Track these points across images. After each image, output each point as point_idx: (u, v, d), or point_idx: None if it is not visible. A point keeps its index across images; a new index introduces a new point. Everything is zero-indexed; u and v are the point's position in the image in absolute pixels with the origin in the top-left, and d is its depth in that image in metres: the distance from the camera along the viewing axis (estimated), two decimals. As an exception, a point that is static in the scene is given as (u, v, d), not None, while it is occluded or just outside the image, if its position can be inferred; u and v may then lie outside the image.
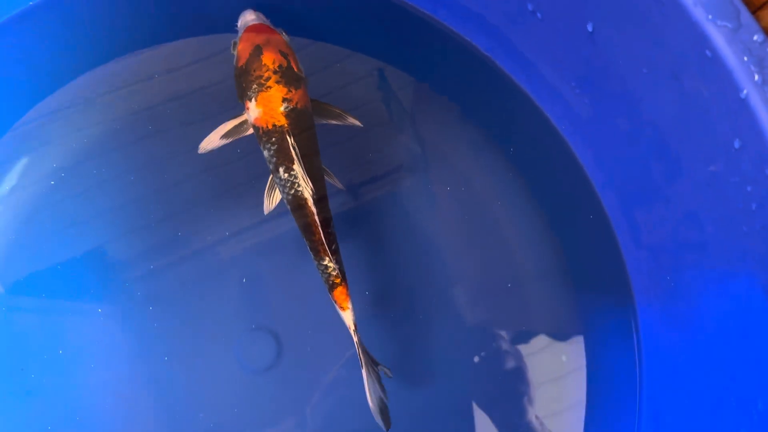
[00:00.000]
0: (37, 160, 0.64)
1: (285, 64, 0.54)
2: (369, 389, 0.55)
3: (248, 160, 0.64)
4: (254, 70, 0.54)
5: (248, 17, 0.58)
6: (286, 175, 0.54)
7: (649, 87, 0.52)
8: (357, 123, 0.58)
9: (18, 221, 0.63)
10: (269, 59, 0.54)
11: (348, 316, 0.55)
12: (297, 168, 0.53)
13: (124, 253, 0.63)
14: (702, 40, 0.44)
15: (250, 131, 0.56)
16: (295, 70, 0.55)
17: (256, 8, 0.59)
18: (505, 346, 0.64)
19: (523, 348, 0.64)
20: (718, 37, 0.43)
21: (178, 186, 0.64)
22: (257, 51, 0.54)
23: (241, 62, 0.55)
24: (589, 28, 0.54)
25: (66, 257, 0.62)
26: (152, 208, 0.64)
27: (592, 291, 0.66)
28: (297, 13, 0.66)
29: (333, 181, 0.58)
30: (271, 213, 0.56)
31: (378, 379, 0.56)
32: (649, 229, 0.60)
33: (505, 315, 0.65)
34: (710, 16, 0.43)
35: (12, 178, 0.63)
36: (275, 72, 0.54)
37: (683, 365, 0.59)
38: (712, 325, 0.55)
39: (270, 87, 0.54)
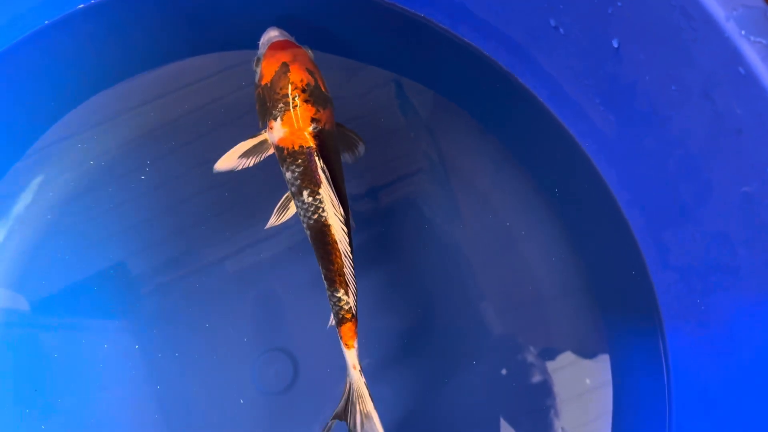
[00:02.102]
0: (53, 180, 0.64)
1: (312, 82, 0.52)
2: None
3: (261, 175, 0.63)
4: (280, 89, 0.51)
5: (272, 33, 0.56)
6: (310, 199, 0.51)
7: (677, 105, 0.50)
8: (362, 150, 0.56)
9: (34, 240, 0.63)
10: (296, 77, 0.52)
11: (352, 355, 0.53)
12: (324, 192, 0.50)
13: (139, 273, 0.63)
14: (735, 56, 0.43)
15: (271, 151, 0.54)
16: (323, 89, 0.53)
17: (279, 24, 0.58)
18: (529, 363, 0.63)
19: (547, 366, 0.63)
20: (751, 53, 0.42)
21: (190, 203, 0.64)
22: (283, 68, 0.52)
23: (265, 80, 0.52)
24: (615, 44, 0.52)
25: (81, 277, 0.62)
26: (165, 226, 0.63)
27: (619, 312, 0.64)
28: (318, 27, 0.66)
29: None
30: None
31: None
32: (678, 251, 0.59)
33: (528, 333, 0.64)
34: (743, 32, 0.42)
35: (27, 197, 0.63)
36: (303, 91, 0.51)
37: (715, 392, 0.57)
38: (746, 352, 0.53)
39: (298, 105, 0.51)
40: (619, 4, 0.49)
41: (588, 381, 0.63)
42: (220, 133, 0.64)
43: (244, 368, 0.61)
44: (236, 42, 0.66)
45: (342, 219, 0.51)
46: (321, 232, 0.52)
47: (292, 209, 0.54)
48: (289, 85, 0.51)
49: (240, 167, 0.54)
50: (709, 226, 0.54)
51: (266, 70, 0.53)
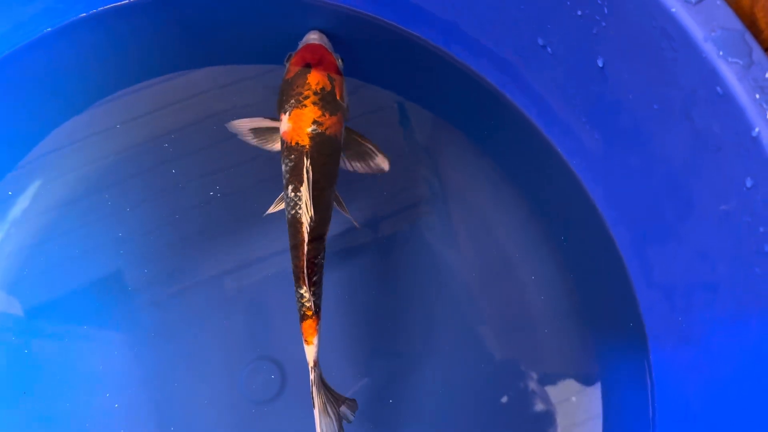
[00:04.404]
0: (51, 186, 0.64)
1: (328, 88, 0.55)
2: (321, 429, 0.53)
3: (259, 189, 0.64)
4: (297, 86, 0.55)
5: (311, 36, 0.59)
6: (292, 194, 0.53)
7: (659, 123, 0.51)
8: (384, 166, 0.57)
9: (30, 245, 0.63)
10: (314, 79, 0.55)
11: (310, 352, 0.54)
12: (304, 191, 0.52)
13: (133, 281, 0.63)
14: (713, 76, 0.44)
15: (278, 146, 0.56)
16: (338, 97, 0.55)
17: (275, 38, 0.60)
18: (517, 384, 0.63)
19: (535, 388, 0.63)
20: (729, 74, 0.43)
21: (187, 215, 0.64)
22: (306, 69, 0.55)
23: (289, 75, 0.56)
24: (600, 63, 0.53)
25: (75, 284, 0.63)
26: (161, 236, 0.64)
27: (606, 330, 0.64)
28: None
29: (346, 214, 0.57)
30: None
31: (338, 420, 0.54)
32: (662, 268, 0.59)
33: (518, 354, 0.64)
34: (721, 53, 0.43)
35: (25, 201, 0.64)
36: (315, 93, 0.54)
37: (697, 409, 0.57)
38: (725, 369, 0.53)
39: (305, 106, 0.54)
40: (603, 24, 0.50)
41: (574, 399, 0.63)
42: (220, 146, 0.65)
43: (231, 377, 0.62)
44: (241, 56, 0.67)
45: (310, 222, 0.52)
46: (295, 228, 0.53)
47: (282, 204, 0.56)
48: (305, 85, 0.54)
49: (244, 138, 0.58)
50: (690, 244, 0.54)
51: (292, 66, 0.56)
